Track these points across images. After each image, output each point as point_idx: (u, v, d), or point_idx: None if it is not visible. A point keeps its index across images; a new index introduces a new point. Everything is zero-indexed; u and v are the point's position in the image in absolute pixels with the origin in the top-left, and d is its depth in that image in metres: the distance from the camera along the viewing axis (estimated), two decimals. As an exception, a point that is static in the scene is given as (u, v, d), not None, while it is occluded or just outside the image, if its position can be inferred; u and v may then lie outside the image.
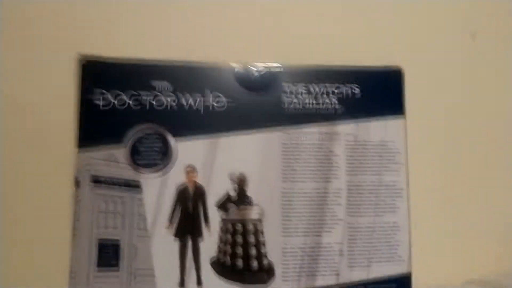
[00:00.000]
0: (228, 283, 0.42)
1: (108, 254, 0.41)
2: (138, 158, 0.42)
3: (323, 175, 0.45)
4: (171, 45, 0.46)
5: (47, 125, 0.44)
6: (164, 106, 0.43)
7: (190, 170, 0.43)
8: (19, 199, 0.43)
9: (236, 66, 0.45)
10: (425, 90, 0.49)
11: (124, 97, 0.43)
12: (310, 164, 0.45)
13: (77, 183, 0.42)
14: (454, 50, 0.51)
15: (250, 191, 0.43)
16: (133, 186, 0.42)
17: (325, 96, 0.46)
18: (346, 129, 0.45)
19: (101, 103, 0.42)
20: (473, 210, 0.49)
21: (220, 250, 0.42)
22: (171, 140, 0.43)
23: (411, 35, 0.50)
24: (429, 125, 0.49)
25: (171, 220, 0.42)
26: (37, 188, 0.43)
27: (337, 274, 0.43)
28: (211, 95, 0.44)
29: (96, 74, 0.43)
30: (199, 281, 0.42)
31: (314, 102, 0.45)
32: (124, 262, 0.42)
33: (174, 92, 0.43)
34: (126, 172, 0.42)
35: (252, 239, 0.43)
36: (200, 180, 0.43)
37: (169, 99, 0.43)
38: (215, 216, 0.43)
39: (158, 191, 0.42)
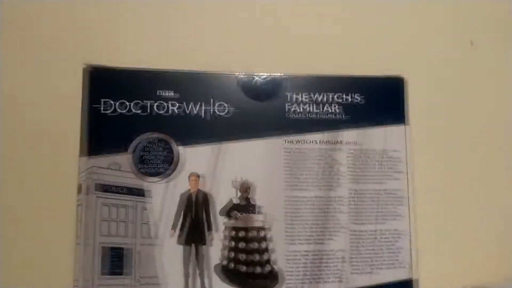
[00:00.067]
0: (232, 289, 0.42)
1: (112, 261, 0.42)
2: (142, 166, 0.43)
3: (326, 183, 0.45)
4: (176, 54, 0.47)
5: (53, 133, 0.44)
6: (169, 114, 0.44)
7: (194, 178, 0.43)
8: (24, 206, 0.43)
9: (240, 75, 0.45)
10: (427, 98, 0.50)
11: (130, 106, 0.43)
12: (313, 172, 0.45)
13: (81, 191, 0.42)
14: (455, 59, 0.52)
15: (253, 199, 0.44)
16: (138, 193, 0.43)
17: (328, 104, 0.46)
18: (349, 137, 0.46)
19: (107, 111, 0.43)
20: (475, 216, 0.49)
21: (224, 257, 0.43)
22: (176, 147, 0.43)
23: (413, 44, 0.51)
24: (431, 133, 0.50)
25: (175, 227, 0.43)
26: (42, 195, 0.43)
27: (340, 281, 0.44)
28: (215, 103, 0.44)
29: (102, 83, 0.43)
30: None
31: (317, 110, 0.46)
32: (128, 269, 0.42)
33: (179, 100, 0.44)
34: (131, 179, 0.43)
35: (255, 245, 0.43)
36: (204, 187, 0.43)
37: (174, 107, 0.44)
38: (219, 223, 0.43)
39: (163, 198, 0.43)
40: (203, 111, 0.44)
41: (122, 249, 0.42)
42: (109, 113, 0.43)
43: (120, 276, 0.41)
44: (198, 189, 0.43)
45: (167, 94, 0.44)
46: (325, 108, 0.46)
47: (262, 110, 0.45)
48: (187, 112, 0.44)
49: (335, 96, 0.46)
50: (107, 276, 0.41)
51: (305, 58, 0.49)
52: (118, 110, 0.43)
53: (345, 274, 0.44)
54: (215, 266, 0.42)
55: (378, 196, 0.46)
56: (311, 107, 0.46)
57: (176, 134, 0.44)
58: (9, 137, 0.44)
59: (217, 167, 0.44)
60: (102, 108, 0.43)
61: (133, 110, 0.43)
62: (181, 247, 0.42)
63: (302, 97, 0.46)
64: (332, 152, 0.46)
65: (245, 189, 0.44)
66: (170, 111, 0.44)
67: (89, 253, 0.41)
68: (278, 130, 0.45)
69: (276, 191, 0.44)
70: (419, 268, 0.45)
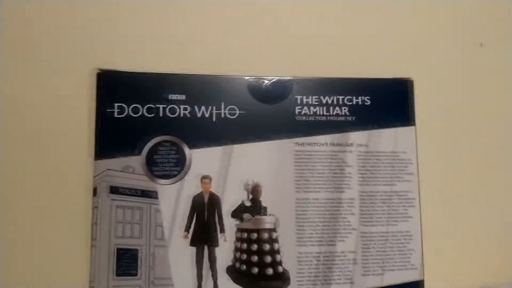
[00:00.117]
0: (244, 290, 0.43)
1: (127, 263, 0.42)
2: (154, 168, 0.44)
3: (336, 185, 0.45)
4: (187, 58, 0.48)
5: (68, 137, 0.45)
6: (179, 118, 0.44)
7: (205, 180, 0.44)
8: (38, 210, 0.44)
9: (250, 78, 0.46)
10: (434, 100, 0.50)
11: (142, 110, 0.44)
12: (323, 174, 0.45)
13: (96, 193, 0.43)
14: (462, 60, 0.52)
15: (264, 201, 0.44)
16: (151, 196, 0.43)
17: (337, 106, 0.47)
18: (358, 139, 0.46)
19: (120, 115, 0.44)
20: (485, 218, 0.49)
21: (235, 258, 0.43)
22: (187, 150, 0.44)
23: (420, 46, 0.51)
24: (439, 135, 0.50)
25: (188, 229, 0.43)
26: (58, 198, 0.44)
27: (352, 282, 0.44)
28: (225, 106, 0.45)
29: (114, 87, 0.44)
30: (215, 289, 0.43)
31: (326, 112, 0.46)
32: (142, 270, 0.42)
33: (190, 104, 0.45)
34: (144, 182, 0.43)
35: (267, 247, 0.44)
36: (215, 189, 0.44)
37: (185, 111, 0.45)
38: (230, 225, 0.44)
39: (175, 201, 0.43)
40: (213, 114, 0.45)
41: (136, 250, 0.43)
42: (122, 117, 0.44)
43: (134, 277, 0.42)
44: (210, 192, 0.44)
45: (178, 98, 0.45)
46: (334, 110, 0.46)
47: (271, 113, 0.46)
48: (198, 115, 0.45)
49: (344, 99, 0.47)
50: (122, 278, 0.42)
51: (314, 61, 0.49)
52: (131, 113, 0.44)
53: (356, 276, 0.44)
54: (227, 268, 0.43)
55: (388, 198, 0.46)
56: (320, 110, 0.46)
57: (187, 137, 0.44)
58: (24, 142, 0.45)
59: (227, 170, 0.44)
60: (115, 112, 0.44)
61: (146, 114, 0.44)
62: (193, 249, 0.43)
63: (311, 99, 0.46)
64: (342, 154, 0.46)
65: (256, 191, 0.44)
66: (181, 115, 0.45)
67: (104, 255, 0.42)
68: (287, 132, 0.45)
69: (286, 193, 0.45)
70: (430, 270, 0.45)
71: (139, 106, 0.44)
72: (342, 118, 0.46)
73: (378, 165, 0.46)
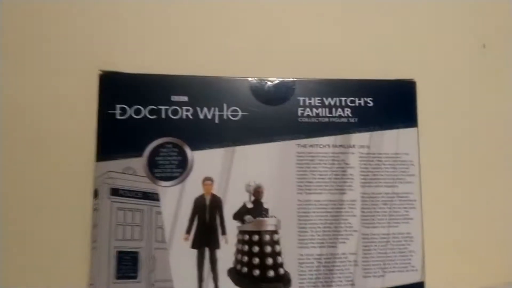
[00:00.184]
0: (246, 293, 0.43)
1: (127, 265, 0.42)
2: (156, 170, 0.43)
3: (338, 187, 0.45)
4: (189, 60, 0.47)
5: (69, 138, 0.44)
6: (182, 119, 0.44)
7: (207, 182, 0.44)
8: (38, 211, 0.44)
9: (253, 79, 0.46)
10: (437, 101, 0.50)
11: (144, 111, 0.44)
12: (326, 175, 0.45)
13: (97, 195, 0.42)
14: (465, 62, 0.52)
15: (266, 202, 0.44)
16: (152, 198, 0.43)
17: (339, 108, 0.46)
18: (361, 140, 0.46)
19: (122, 117, 0.43)
20: (487, 220, 0.49)
21: (237, 260, 0.43)
22: (189, 152, 0.44)
23: (424, 48, 0.51)
24: (442, 136, 0.50)
25: (189, 231, 0.43)
26: (56, 200, 0.44)
27: (353, 284, 0.44)
28: (227, 108, 0.45)
29: (116, 89, 0.44)
30: (217, 292, 0.42)
31: (329, 114, 0.46)
32: (142, 273, 0.42)
33: (192, 105, 0.44)
34: (145, 184, 0.43)
35: (268, 249, 0.44)
36: (216, 191, 0.44)
37: (187, 112, 0.44)
38: (232, 226, 0.44)
39: (176, 203, 0.43)
40: (216, 116, 0.45)
41: (137, 253, 0.42)
42: (124, 118, 0.43)
43: (135, 280, 0.42)
44: (212, 194, 0.44)
45: (180, 99, 0.44)
46: (337, 112, 0.46)
47: (274, 115, 0.45)
48: (200, 117, 0.44)
49: (347, 100, 0.47)
50: (122, 280, 0.42)
51: (317, 62, 0.49)
52: (133, 115, 0.43)
53: (357, 277, 0.44)
54: (229, 270, 0.43)
55: (390, 199, 0.46)
56: (322, 111, 0.46)
57: (189, 139, 0.44)
58: (25, 143, 0.44)
59: (229, 171, 0.44)
60: (117, 113, 0.43)
61: (148, 116, 0.44)
62: (195, 251, 0.43)
63: (313, 101, 0.46)
64: (344, 155, 0.46)
65: (258, 193, 0.44)
66: (184, 116, 0.44)
67: (104, 257, 0.42)
68: (290, 134, 0.45)
69: (288, 195, 0.44)
70: (431, 272, 0.46)
71: (141, 108, 0.44)
72: (345, 120, 0.46)
73: (380, 166, 0.46)
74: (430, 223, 0.46)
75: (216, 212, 0.44)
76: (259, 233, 0.44)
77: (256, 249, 0.43)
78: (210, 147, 0.44)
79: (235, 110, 0.45)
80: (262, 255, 0.43)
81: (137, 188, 0.43)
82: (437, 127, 0.50)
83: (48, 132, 0.45)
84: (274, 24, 0.49)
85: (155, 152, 0.43)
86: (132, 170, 0.43)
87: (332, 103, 0.46)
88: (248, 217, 0.44)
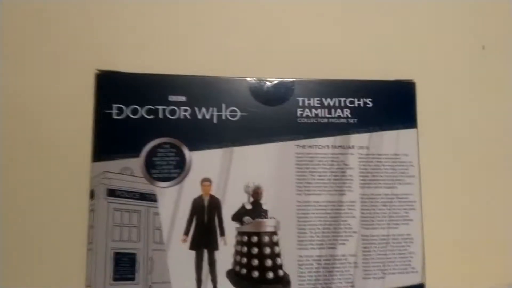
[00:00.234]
0: (245, 295, 0.42)
1: (124, 267, 0.42)
2: (153, 171, 0.43)
3: (337, 188, 0.45)
4: (187, 59, 0.47)
5: (65, 138, 0.44)
6: (180, 120, 0.44)
7: (206, 183, 0.43)
8: (33, 212, 0.43)
9: (251, 80, 0.45)
10: (437, 102, 0.50)
11: (141, 111, 0.43)
12: (325, 176, 0.45)
13: (94, 196, 0.42)
14: (465, 63, 0.52)
15: (265, 203, 0.44)
16: (150, 198, 0.43)
17: (339, 109, 0.46)
18: (360, 141, 0.46)
19: (118, 116, 0.43)
20: (487, 221, 0.49)
21: (236, 262, 0.43)
22: (187, 152, 0.43)
23: (423, 48, 0.51)
24: (441, 137, 0.50)
25: (187, 233, 0.42)
26: (52, 200, 0.44)
27: (353, 286, 0.44)
28: (226, 108, 0.44)
29: (114, 89, 0.43)
30: (215, 293, 0.42)
31: (328, 115, 0.46)
32: (140, 274, 0.42)
33: (190, 105, 0.44)
34: (143, 184, 0.43)
35: (267, 251, 0.43)
36: (215, 192, 0.43)
37: (185, 112, 0.44)
38: (230, 228, 0.43)
39: (174, 204, 0.43)
40: (214, 116, 0.44)
41: (134, 254, 0.42)
42: (121, 118, 0.43)
43: (132, 282, 0.41)
44: (210, 195, 0.43)
45: (178, 99, 0.44)
46: (336, 112, 0.46)
47: (273, 115, 0.45)
48: (198, 117, 0.44)
49: (346, 101, 0.46)
50: (119, 282, 0.41)
51: (316, 62, 0.49)
52: (130, 115, 0.43)
53: (357, 279, 0.44)
54: (228, 272, 0.42)
55: (390, 200, 0.46)
56: (322, 112, 0.46)
57: (187, 139, 0.43)
58: (21, 143, 0.44)
59: (228, 172, 0.44)
60: (114, 113, 0.43)
61: (145, 115, 0.43)
62: (193, 253, 0.42)
63: (313, 101, 0.46)
64: (343, 156, 0.46)
65: (256, 194, 0.44)
66: (181, 116, 0.44)
67: (101, 259, 0.41)
68: (289, 134, 0.45)
69: (287, 196, 0.44)
70: (431, 273, 0.45)
71: (138, 108, 0.43)
72: (344, 120, 0.46)
73: (380, 167, 0.46)
74: (430, 224, 0.46)
75: (214, 213, 0.43)
76: (258, 234, 0.43)
77: (255, 250, 0.43)
78: (209, 148, 0.44)
79: (234, 111, 0.44)
80: (261, 256, 0.43)
81: (134, 188, 0.42)
82: (437, 128, 0.50)
83: (44, 131, 0.44)
84: (273, 24, 0.49)
85: (152, 152, 0.43)
86: (129, 171, 0.42)
87: (332, 103, 0.46)
88: (247, 218, 0.43)
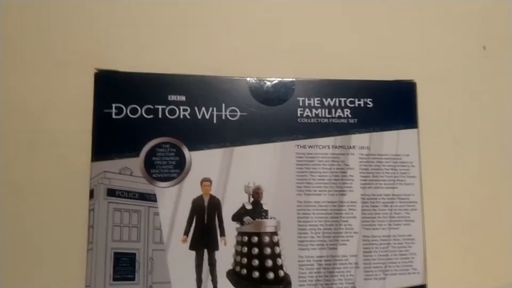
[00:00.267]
0: (245, 295, 0.42)
1: (124, 267, 0.41)
2: (153, 171, 0.43)
3: (338, 188, 0.45)
4: (187, 59, 0.47)
5: (65, 138, 0.44)
6: (180, 119, 0.44)
7: (206, 183, 0.43)
8: (33, 212, 0.43)
9: (252, 79, 0.45)
10: (438, 102, 0.50)
11: (141, 111, 0.43)
12: (325, 176, 0.45)
13: (93, 195, 0.42)
14: (466, 63, 0.52)
15: (265, 203, 0.43)
16: (150, 198, 0.42)
17: (339, 109, 0.46)
18: (361, 141, 0.46)
19: (118, 116, 0.43)
20: (489, 221, 0.49)
21: (236, 262, 0.42)
22: (186, 152, 0.43)
23: (424, 48, 0.51)
24: (442, 137, 0.50)
25: (187, 233, 0.42)
26: (52, 200, 0.44)
27: (353, 287, 0.44)
28: (226, 108, 0.44)
29: (112, 88, 0.43)
30: (215, 294, 0.42)
31: (329, 115, 0.46)
32: (140, 275, 0.41)
33: (190, 105, 0.44)
34: (142, 184, 0.42)
35: (268, 251, 0.43)
36: (215, 192, 0.43)
37: (185, 112, 0.44)
38: (231, 228, 0.43)
39: (174, 204, 0.43)
40: (214, 116, 0.44)
41: (134, 254, 0.42)
42: (121, 117, 0.43)
43: (132, 282, 0.41)
44: (210, 195, 0.43)
45: (178, 99, 0.44)
46: (337, 112, 0.46)
47: (273, 115, 0.45)
48: (198, 117, 0.44)
49: (347, 101, 0.46)
50: (119, 282, 0.41)
51: (316, 62, 0.49)
52: (130, 115, 0.43)
53: (358, 280, 0.44)
54: (228, 272, 0.42)
55: (391, 201, 0.45)
56: (322, 112, 0.46)
57: (187, 139, 0.43)
58: (20, 142, 0.44)
59: (228, 172, 0.43)
60: (113, 112, 0.43)
61: (145, 115, 0.43)
62: (193, 253, 0.42)
63: (313, 101, 0.46)
64: (344, 156, 0.45)
65: (257, 194, 0.43)
66: (181, 116, 0.44)
67: (100, 259, 0.41)
68: (289, 135, 0.45)
69: (287, 196, 0.44)
70: (432, 274, 0.45)
71: (138, 107, 0.43)
72: (344, 120, 0.46)
73: (380, 167, 0.46)
74: (431, 225, 0.46)
75: (214, 213, 0.43)
76: (258, 234, 0.43)
77: (255, 250, 0.43)
78: (208, 148, 0.43)
79: (234, 110, 0.44)
80: (262, 256, 0.43)
81: (134, 188, 0.42)
82: (438, 128, 0.50)
83: (43, 131, 0.44)
84: (273, 24, 0.49)
85: (152, 152, 0.43)
86: (128, 171, 0.42)
87: (332, 103, 0.46)
88: (247, 219, 0.43)
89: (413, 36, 0.51)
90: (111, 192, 0.42)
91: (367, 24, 0.51)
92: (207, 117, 0.44)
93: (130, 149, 0.42)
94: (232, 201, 0.43)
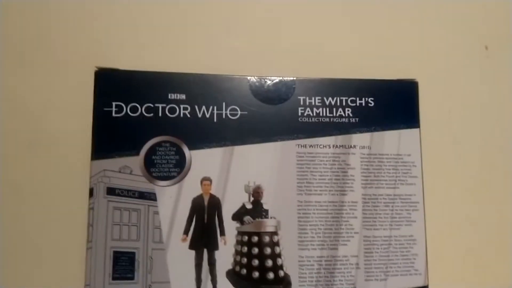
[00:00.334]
0: (244, 295, 0.42)
1: (124, 266, 0.41)
2: (153, 169, 0.43)
3: (338, 188, 0.44)
4: (187, 58, 0.47)
5: (64, 136, 0.44)
6: (180, 118, 0.43)
7: (206, 182, 0.43)
8: (32, 210, 0.43)
9: (252, 78, 0.45)
10: (440, 102, 0.50)
11: (141, 109, 0.43)
12: (326, 176, 0.44)
13: (93, 194, 0.42)
14: (468, 63, 0.51)
15: (265, 203, 0.43)
16: (149, 197, 0.42)
17: (341, 108, 0.46)
18: (362, 141, 0.45)
19: (118, 114, 0.43)
20: (491, 222, 0.49)
21: (236, 262, 0.42)
22: (186, 151, 0.43)
23: (426, 48, 0.51)
24: (444, 137, 0.49)
25: (187, 232, 0.42)
26: (51, 199, 0.43)
27: (354, 287, 0.43)
28: (226, 106, 0.44)
29: (112, 86, 0.43)
30: (215, 294, 0.42)
31: (330, 114, 0.45)
32: (139, 274, 0.41)
33: (190, 104, 0.44)
34: (142, 183, 0.42)
35: (268, 251, 0.43)
36: (215, 191, 0.43)
37: (185, 111, 0.44)
38: (231, 227, 0.43)
39: (174, 203, 0.42)
40: (214, 115, 0.44)
41: (133, 253, 0.41)
42: (120, 116, 0.43)
43: (131, 281, 0.41)
44: (210, 194, 0.43)
45: (178, 97, 0.44)
46: (338, 112, 0.46)
47: (274, 114, 0.45)
48: (199, 115, 0.44)
49: (348, 100, 0.46)
50: (118, 281, 0.41)
51: (317, 61, 0.48)
52: (130, 113, 0.43)
53: (359, 281, 0.43)
54: (228, 272, 0.42)
55: (392, 201, 0.45)
56: (323, 111, 0.45)
57: (187, 138, 0.43)
58: (20, 141, 0.44)
59: (228, 171, 0.43)
60: (113, 111, 0.43)
61: (145, 113, 0.43)
62: (193, 252, 0.42)
63: (314, 100, 0.46)
64: (345, 156, 0.45)
65: (257, 193, 0.43)
66: (181, 115, 0.43)
67: (100, 258, 0.41)
68: (290, 134, 0.45)
69: (288, 195, 0.44)
70: (434, 275, 0.45)
71: (138, 105, 0.43)
72: (345, 120, 0.46)
73: (382, 167, 0.45)
74: (433, 225, 0.45)
75: (214, 212, 0.43)
76: (258, 234, 0.43)
77: (255, 250, 0.43)
78: (209, 147, 0.43)
79: (234, 109, 0.44)
80: (262, 256, 0.43)
81: (133, 187, 0.42)
82: (440, 127, 0.49)
83: (43, 129, 0.44)
84: (274, 22, 0.49)
85: (152, 151, 0.43)
86: (128, 169, 0.42)
87: (333, 102, 0.46)
88: (247, 218, 0.43)
89: (414, 36, 0.51)
90: (111, 191, 0.42)
91: (368, 23, 0.50)
92: (208, 116, 0.44)
93: (130, 148, 0.42)
94: (232, 201, 0.43)
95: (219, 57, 0.47)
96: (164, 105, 0.43)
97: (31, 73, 0.45)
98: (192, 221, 0.42)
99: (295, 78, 0.46)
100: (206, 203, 0.43)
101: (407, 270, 0.44)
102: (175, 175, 0.43)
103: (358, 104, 0.46)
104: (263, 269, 0.42)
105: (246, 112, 0.44)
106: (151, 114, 0.43)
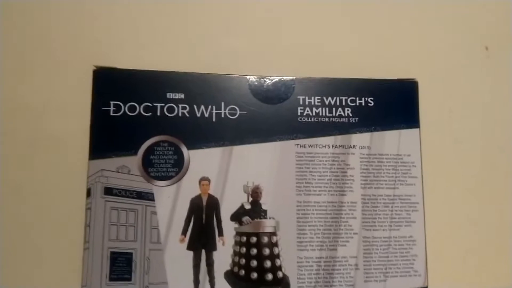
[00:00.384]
0: (243, 296, 0.42)
1: (121, 267, 0.41)
2: (151, 169, 0.42)
3: (338, 188, 0.44)
4: (186, 57, 0.47)
5: (62, 136, 0.44)
6: (178, 117, 0.43)
7: (204, 182, 0.43)
8: (29, 210, 0.43)
9: (252, 77, 0.45)
10: (440, 102, 0.49)
11: (139, 108, 0.43)
12: (325, 176, 0.44)
13: (90, 194, 0.41)
14: (467, 63, 0.51)
15: (264, 203, 0.43)
16: (147, 197, 0.42)
17: (340, 108, 0.45)
18: (362, 141, 0.45)
19: (114, 113, 0.42)
20: (491, 223, 0.48)
21: (234, 263, 0.42)
22: (185, 151, 0.43)
23: (426, 47, 0.51)
24: (444, 137, 0.49)
25: (185, 233, 0.42)
26: (48, 198, 0.43)
27: (353, 289, 0.43)
28: (225, 106, 0.44)
29: (110, 85, 0.43)
30: (213, 295, 0.41)
31: (329, 114, 0.45)
32: (137, 275, 0.41)
33: (189, 103, 0.43)
34: (140, 183, 0.42)
35: (266, 251, 0.42)
36: (213, 191, 0.43)
37: (184, 110, 0.43)
38: (229, 228, 0.42)
39: (172, 203, 0.42)
40: (213, 114, 0.44)
41: (131, 254, 0.41)
42: (119, 115, 0.42)
43: (129, 282, 0.41)
44: (209, 194, 0.43)
45: (177, 96, 0.43)
46: (338, 111, 0.45)
47: (273, 114, 0.44)
48: (197, 115, 0.43)
49: (347, 100, 0.46)
50: (115, 282, 0.41)
51: (317, 61, 0.48)
52: (128, 112, 0.43)
53: (358, 282, 0.43)
54: (226, 273, 0.42)
55: (392, 201, 0.45)
56: (323, 111, 0.45)
57: (186, 138, 0.43)
58: (18, 140, 0.44)
59: (227, 171, 0.43)
60: (111, 110, 0.42)
61: (143, 113, 0.43)
62: (191, 253, 0.41)
63: (313, 100, 0.45)
64: (344, 156, 0.45)
65: (256, 194, 0.43)
66: (180, 114, 0.43)
67: (97, 258, 0.40)
68: (289, 134, 0.44)
69: (287, 196, 0.43)
70: (434, 276, 0.44)
71: (136, 105, 0.43)
72: (345, 120, 0.45)
73: (381, 167, 0.45)
74: (432, 226, 0.45)
75: (213, 213, 0.43)
76: (257, 234, 0.43)
77: (254, 251, 0.42)
78: (207, 146, 0.43)
79: (233, 109, 0.44)
80: (260, 257, 0.42)
81: (131, 187, 0.42)
82: (440, 127, 0.49)
83: (40, 129, 0.44)
84: (273, 22, 0.49)
85: (150, 150, 0.42)
86: (126, 169, 0.42)
87: (333, 102, 0.46)
88: (246, 218, 0.43)
89: (414, 35, 0.51)
90: (108, 191, 0.42)
91: (368, 23, 0.50)
92: (206, 115, 0.43)
93: (128, 147, 0.42)
94: (231, 201, 0.43)
95: (218, 56, 0.47)
96: (163, 104, 0.43)
97: (29, 72, 0.45)
98: (190, 221, 0.42)
99: (294, 78, 0.45)
100: (204, 203, 0.42)
101: (406, 271, 0.44)
102: (173, 175, 0.42)
103: (357, 104, 0.46)
104: (261, 270, 0.42)
105: (245, 112, 0.44)
106: (149, 114, 0.43)
